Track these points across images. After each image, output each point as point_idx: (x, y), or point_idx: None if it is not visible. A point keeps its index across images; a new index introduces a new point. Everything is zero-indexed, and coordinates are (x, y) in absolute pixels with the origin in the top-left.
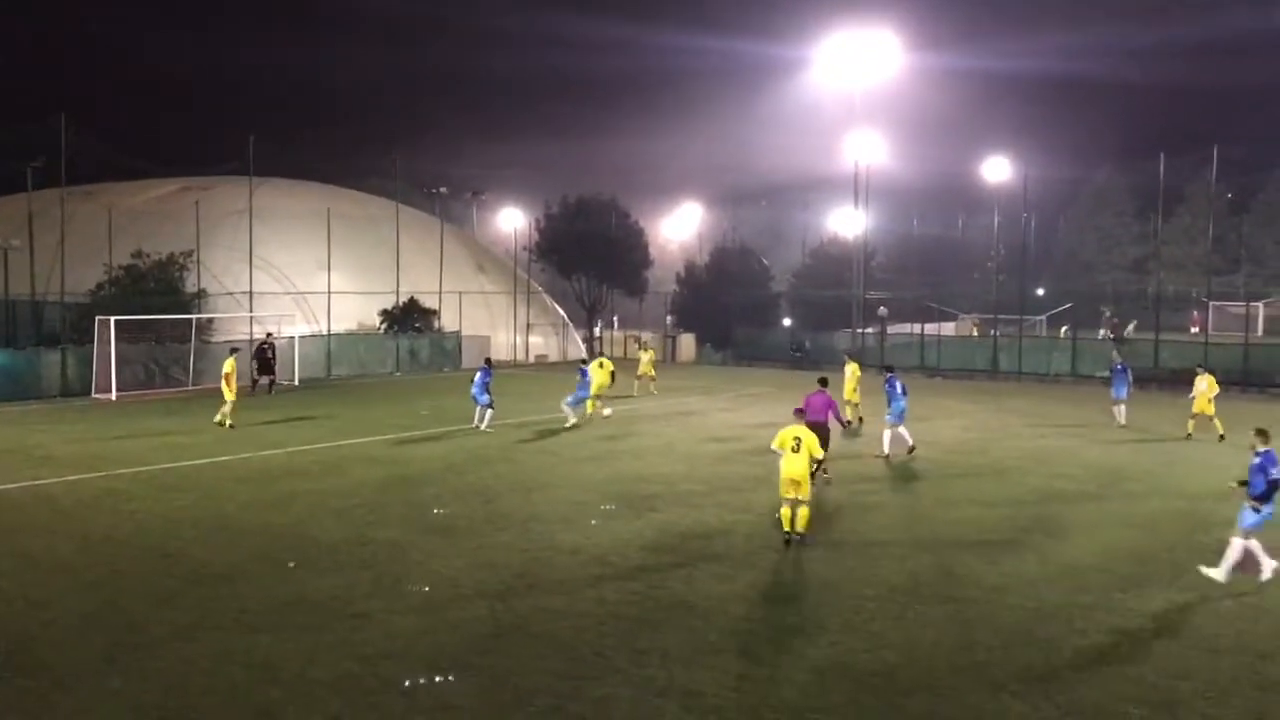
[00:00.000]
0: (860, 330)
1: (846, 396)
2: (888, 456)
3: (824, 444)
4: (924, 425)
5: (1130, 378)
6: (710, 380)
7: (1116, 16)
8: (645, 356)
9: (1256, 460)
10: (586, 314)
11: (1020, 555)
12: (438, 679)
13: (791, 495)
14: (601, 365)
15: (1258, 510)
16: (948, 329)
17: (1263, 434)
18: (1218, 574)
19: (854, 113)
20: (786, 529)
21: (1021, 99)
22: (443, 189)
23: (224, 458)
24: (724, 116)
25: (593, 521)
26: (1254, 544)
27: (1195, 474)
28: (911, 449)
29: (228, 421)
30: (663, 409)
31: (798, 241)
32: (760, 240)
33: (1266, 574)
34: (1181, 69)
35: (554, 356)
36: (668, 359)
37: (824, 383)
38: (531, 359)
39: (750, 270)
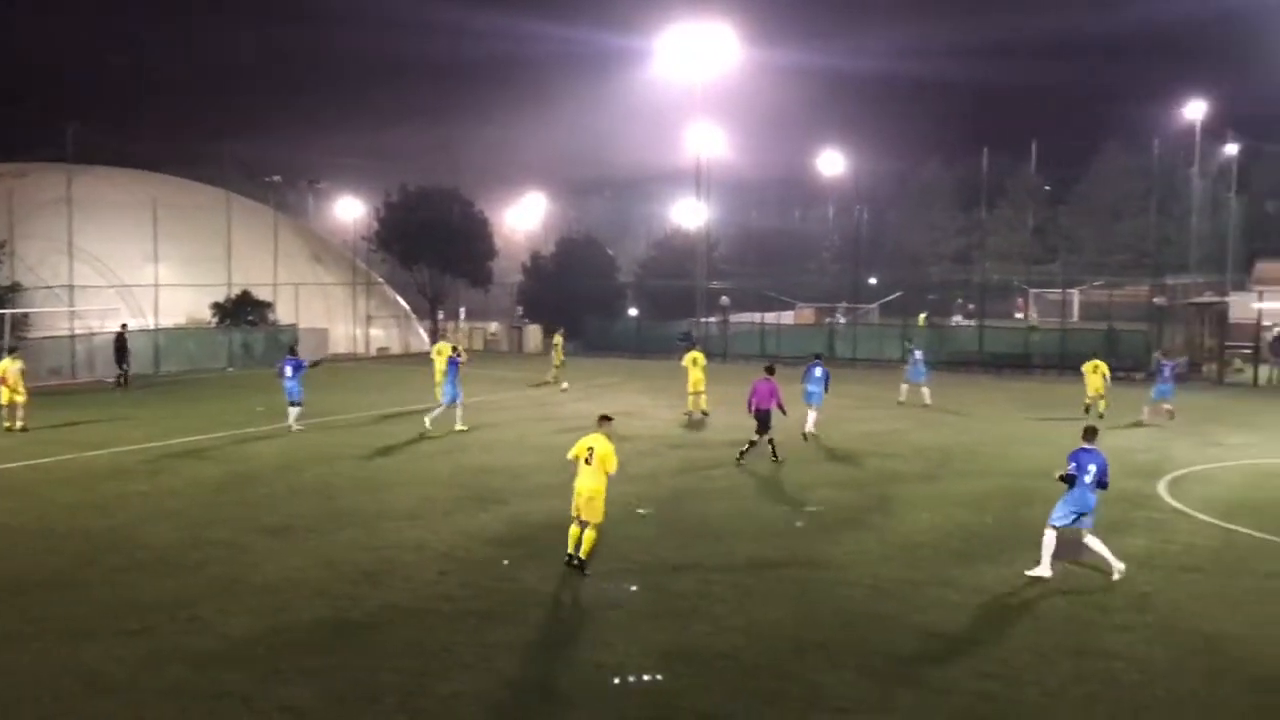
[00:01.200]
0: (704, 320)
1: (691, 388)
2: (806, 435)
3: (766, 428)
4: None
5: (919, 360)
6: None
7: (941, 18)
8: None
9: (1072, 455)
10: (430, 305)
11: (861, 534)
12: (278, 682)
13: (577, 514)
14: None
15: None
16: (786, 318)
17: (1090, 433)
18: (1042, 571)
19: (695, 105)
20: (570, 550)
21: (853, 96)
22: (276, 177)
23: (41, 460)
24: (568, 106)
25: (441, 516)
26: (1093, 541)
27: (1016, 453)
28: (805, 435)
29: (18, 425)
30: (514, 401)
31: (642, 232)
32: (606, 231)
33: (1115, 576)
34: (1001, 69)
35: (396, 349)
36: (514, 350)
37: (770, 370)
38: (373, 352)
39: (596, 260)
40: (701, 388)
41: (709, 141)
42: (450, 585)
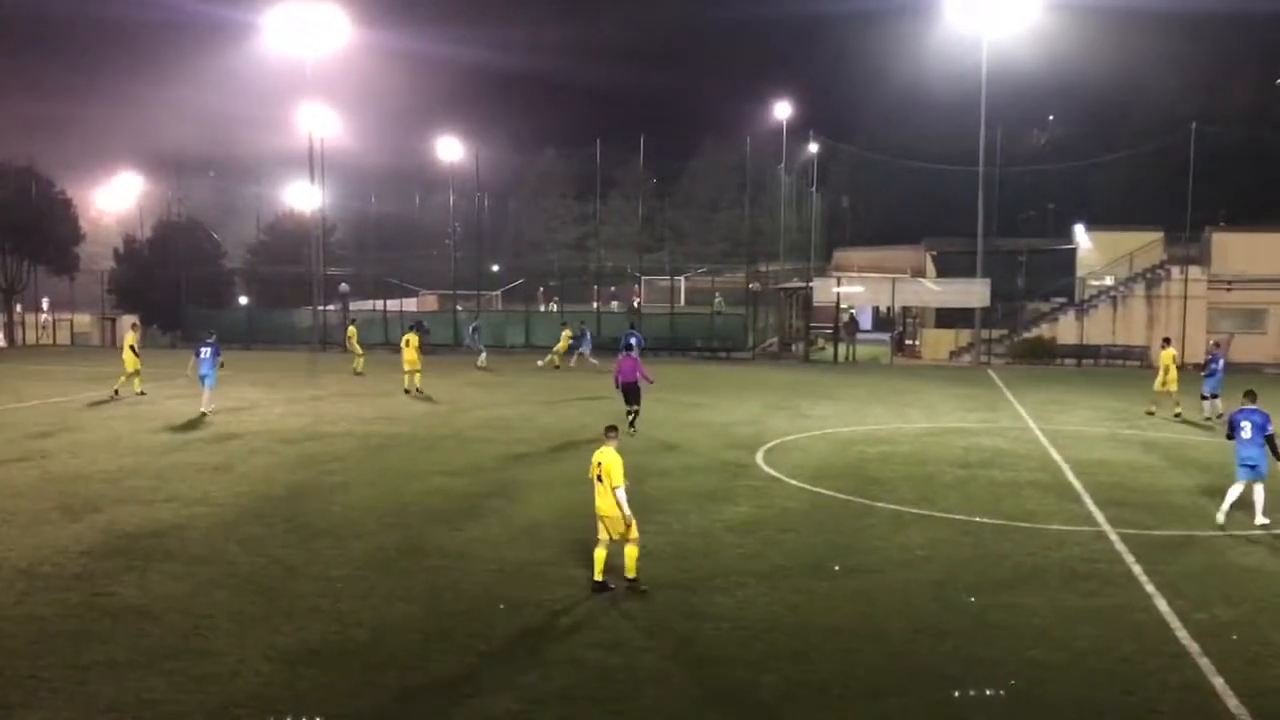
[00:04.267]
0: (322, 308)
1: (408, 366)
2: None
3: (636, 399)
4: (386, 400)
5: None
6: (161, 365)
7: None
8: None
9: None
10: (3, 295)
11: (484, 520)
12: None
13: (605, 535)
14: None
15: None
16: (409, 305)
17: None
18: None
19: (306, 85)
20: (597, 577)
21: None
22: None
23: None
24: (167, 79)
25: (23, 531)
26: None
27: (642, 430)
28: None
29: None
30: (107, 397)
31: (251, 216)
32: (210, 214)
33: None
34: (611, 68)
35: None
36: (106, 344)
37: (629, 348)
38: None
39: (200, 246)
40: (417, 366)
41: (322, 123)
42: (35, 605)
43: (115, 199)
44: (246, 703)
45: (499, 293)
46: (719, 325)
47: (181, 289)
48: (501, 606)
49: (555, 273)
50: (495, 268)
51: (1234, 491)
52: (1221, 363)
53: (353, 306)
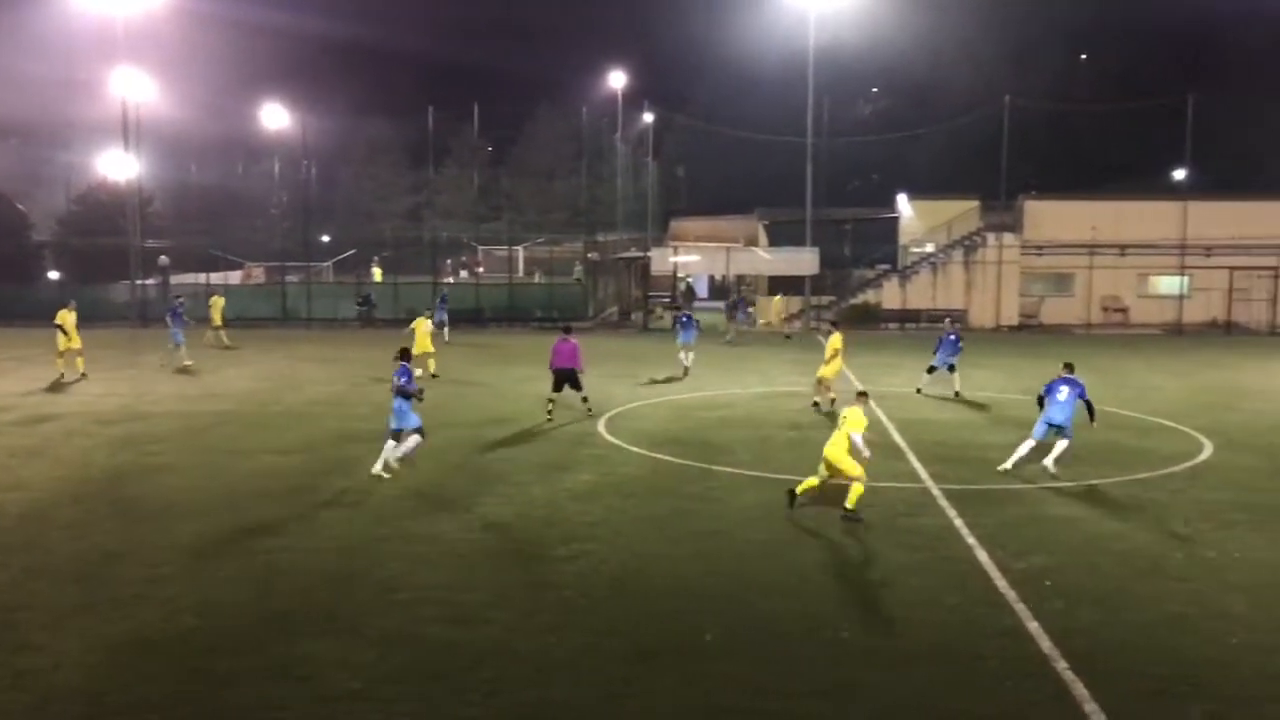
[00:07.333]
0: (141, 281)
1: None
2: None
3: (577, 385)
4: (214, 377)
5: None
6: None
7: None
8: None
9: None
10: None
11: (318, 499)
12: None
13: (822, 472)
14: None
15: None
16: (234, 277)
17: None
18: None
19: (118, 47)
20: (799, 490)
21: (295, 51)
22: None
23: None
24: None
25: None
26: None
27: (477, 404)
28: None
29: None
30: None
31: (61, 185)
32: (15, 184)
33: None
34: (441, 35)
35: None
36: None
37: (567, 330)
38: None
39: (3, 217)
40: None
41: (137, 88)
42: None
43: None
44: (68, 696)
45: (329, 264)
46: (558, 295)
47: None
48: (338, 585)
49: (389, 242)
50: (326, 238)
51: (1026, 445)
52: (954, 339)
53: (174, 280)
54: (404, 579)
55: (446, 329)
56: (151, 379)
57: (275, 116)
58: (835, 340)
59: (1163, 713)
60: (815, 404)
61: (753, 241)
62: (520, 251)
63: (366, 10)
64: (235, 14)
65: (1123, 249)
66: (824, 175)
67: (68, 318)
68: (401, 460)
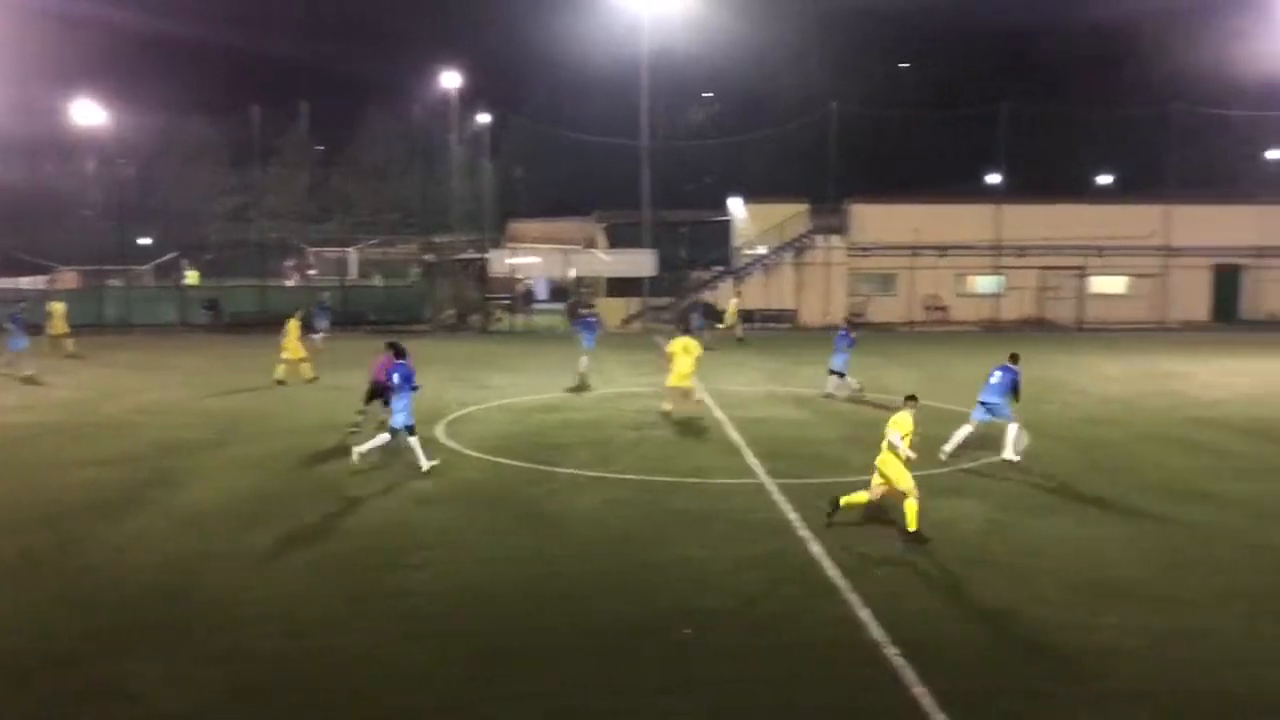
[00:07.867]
0: None
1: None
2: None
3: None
4: (26, 389)
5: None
6: None
7: None
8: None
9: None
10: None
11: (143, 512)
12: None
13: (876, 483)
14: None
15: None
16: (41, 282)
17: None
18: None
19: None
20: (844, 502)
21: (108, 46)
22: None
23: None
24: None
25: None
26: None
27: (304, 411)
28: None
29: None
30: None
31: None
32: None
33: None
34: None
35: None
36: None
37: (391, 346)
38: None
39: None
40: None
41: None
42: None
43: None
44: None
45: (150, 267)
46: (395, 298)
47: None
48: (169, 601)
49: (212, 245)
50: (146, 240)
51: (963, 431)
52: (850, 339)
53: None
54: (241, 593)
55: (322, 335)
56: None
57: (88, 113)
58: (676, 344)
59: (990, 695)
60: (666, 412)
61: (591, 243)
62: (354, 253)
63: (187, 6)
64: (44, 4)
65: (943, 250)
66: (660, 178)
67: None
68: (364, 455)
